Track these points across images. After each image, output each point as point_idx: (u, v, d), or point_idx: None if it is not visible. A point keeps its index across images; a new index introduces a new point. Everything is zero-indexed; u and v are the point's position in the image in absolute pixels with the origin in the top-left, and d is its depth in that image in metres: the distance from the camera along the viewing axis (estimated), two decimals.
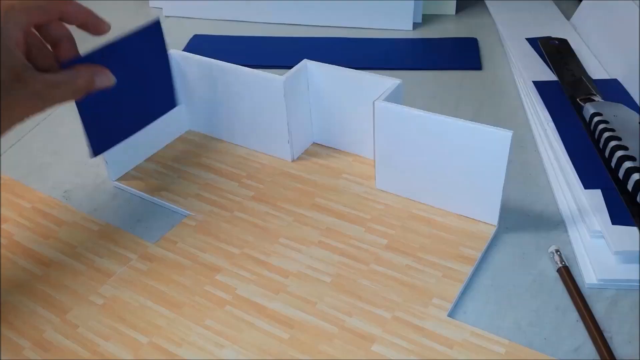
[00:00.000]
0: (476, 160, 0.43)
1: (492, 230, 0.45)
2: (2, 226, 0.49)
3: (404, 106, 0.45)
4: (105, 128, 0.49)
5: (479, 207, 0.46)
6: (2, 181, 0.54)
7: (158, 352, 0.38)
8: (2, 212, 0.50)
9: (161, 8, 0.90)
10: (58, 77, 0.38)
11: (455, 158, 0.44)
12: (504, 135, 0.41)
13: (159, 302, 0.41)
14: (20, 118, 0.37)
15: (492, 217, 0.45)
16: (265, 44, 0.78)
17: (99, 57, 0.45)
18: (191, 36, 0.80)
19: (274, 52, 0.76)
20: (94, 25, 0.42)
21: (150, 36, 0.48)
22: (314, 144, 0.56)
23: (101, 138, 0.49)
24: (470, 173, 0.44)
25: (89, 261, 0.45)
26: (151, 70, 0.51)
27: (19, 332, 0.40)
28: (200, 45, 0.78)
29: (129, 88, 0.49)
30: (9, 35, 0.36)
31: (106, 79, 0.43)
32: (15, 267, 0.45)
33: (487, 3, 0.87)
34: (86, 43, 0.43)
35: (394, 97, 0.47)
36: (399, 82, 0.48)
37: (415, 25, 0.82)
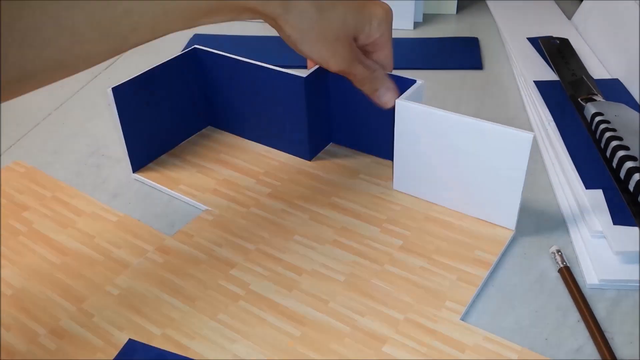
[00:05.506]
0: (495, 163, 0.43)
1: (509, 235, 0.45)
2: (23, 214, 0.49)
3: (425, 105, 0.45)
4: (144, 146, 0.54)
5: (496, 211, 0.45)
6: (23, 169, 0.55)
7: (171, 344, 0.38)
8: (23, 199, 0.51)
9: None
10: (365, 72, 0.45)
11: (474, 159, 0.44)
12: (524, 137, 0.41)
13: (174, 294, 0.42)
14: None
15: (509, 221, 0.45)
16: (266, 43, 0.78)
17: (145, 79, 0.51)
18: (191, 36, 0.80)
19: (274, 52, 0.75)
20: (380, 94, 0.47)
21: (188, 61, 0.55)
22: (333, 144, 0.56)
23: (140, 155, 0.54)
24: (488, 175, 0.44)
25: (107, 252, 0.46)
26: (188, 91, 0.56)
27: (35, 319, 0.40)
28: (200, 45, 0.78)
29: (168, 108, 0.53)
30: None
31: (389, 98, 0.46)
32: (33, 254, 0.45)
33: (488, 2, 0.86)
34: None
35: (415, 96, 0.47)
36: (421, 82, 0.48)
37: (416, 25, 0.81)
